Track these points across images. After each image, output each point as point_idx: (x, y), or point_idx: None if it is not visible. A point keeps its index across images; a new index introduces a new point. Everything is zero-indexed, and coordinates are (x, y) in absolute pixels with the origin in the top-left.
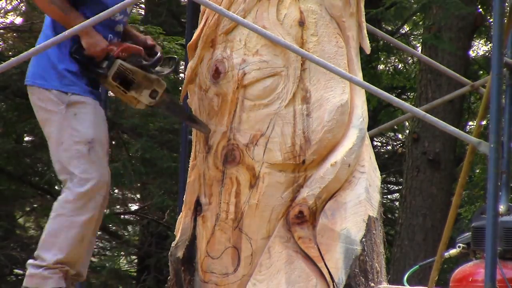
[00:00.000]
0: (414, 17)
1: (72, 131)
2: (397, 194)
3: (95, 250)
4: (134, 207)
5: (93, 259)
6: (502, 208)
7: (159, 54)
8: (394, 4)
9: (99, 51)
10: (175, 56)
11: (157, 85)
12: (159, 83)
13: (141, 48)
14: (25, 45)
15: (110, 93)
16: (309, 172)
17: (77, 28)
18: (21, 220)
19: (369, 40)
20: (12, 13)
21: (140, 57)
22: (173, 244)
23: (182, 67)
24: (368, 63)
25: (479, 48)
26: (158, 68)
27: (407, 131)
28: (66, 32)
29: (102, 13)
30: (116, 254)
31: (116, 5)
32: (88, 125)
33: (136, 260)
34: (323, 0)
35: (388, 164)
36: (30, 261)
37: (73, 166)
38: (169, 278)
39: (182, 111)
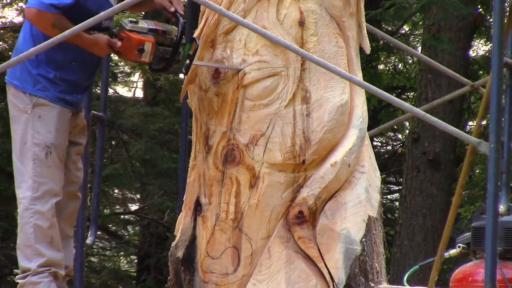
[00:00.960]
0: (414, 17)
1: (34, 132)
2: (397, 194)
3: (95, 250)
4: (134, 207)
5: (93, 259)
6: (502, 208)
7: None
8: (394, 4)
9: (104, 54)
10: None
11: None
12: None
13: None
14: None
15: (109, 93)
16: (309, 172)
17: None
18: None
19: (369, 40)
20: (8, 8)
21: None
22: (173, 244)
23: None
24: (368, 63)
25: (479, 48)
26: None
27: (407, 131)
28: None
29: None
30: (116, 254)
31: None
32: (50, 129)
33: (136, 260)
34: (323, 0)
35: (388, 164)
36: (17, 276)
37: (28, 167)
38: (169, 278)
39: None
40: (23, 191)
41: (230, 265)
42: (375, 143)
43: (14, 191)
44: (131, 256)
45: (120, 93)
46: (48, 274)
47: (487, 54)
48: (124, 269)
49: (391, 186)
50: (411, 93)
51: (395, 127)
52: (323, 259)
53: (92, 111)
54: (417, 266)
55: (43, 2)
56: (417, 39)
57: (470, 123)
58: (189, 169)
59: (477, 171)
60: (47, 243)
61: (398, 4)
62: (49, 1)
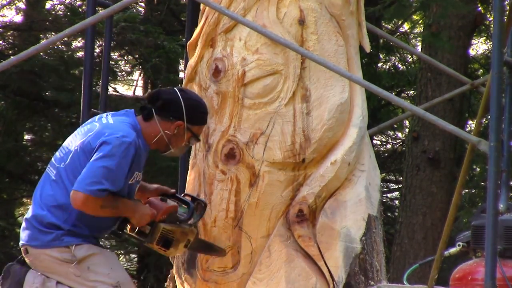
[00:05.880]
0: (414, 16)
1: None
2: (397, 192)
3: None
4: None
5: None
6: (502, 206)
7: (191, 205)
8: (394, 2)
9: (146, 222)
10: (202, 199)
11: (190, 234)
12: (192, 232)
13: (176, 204)
14: (25, 43)
15: (109, 92)
16: (309, 171)
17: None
18: (21, 219)
19: (369, 39)
20: (8, 7)
21: (176, 213)
22: None
23: (182, 66)
24: (368, 62)
25: (479, 46)
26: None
27: (407, 130)
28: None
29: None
30: (116, 253)
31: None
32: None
33: (136, 259)
34: None
35: (388, 162)
36: None
37: None
38: (169, 276)
39: (210, 247)
40: None
41: (230, 264)
42: (375, 142)
43: (14, 190)
44: (131, 255)
45: (120, 91)
46: None
47: (487, 52)
48: (124, 267)
49: (391, 184)
50: (411, 92)
51: (395, 125)
52: (323, 258)
53: (92, 109)
54: (417, 264)
55: (90, 189)
56: (417, 38)
57: (470, 122)
58: (189, 167)
59: (478, 170)
60: None
61: (397, 3)
62: (96, 186)
